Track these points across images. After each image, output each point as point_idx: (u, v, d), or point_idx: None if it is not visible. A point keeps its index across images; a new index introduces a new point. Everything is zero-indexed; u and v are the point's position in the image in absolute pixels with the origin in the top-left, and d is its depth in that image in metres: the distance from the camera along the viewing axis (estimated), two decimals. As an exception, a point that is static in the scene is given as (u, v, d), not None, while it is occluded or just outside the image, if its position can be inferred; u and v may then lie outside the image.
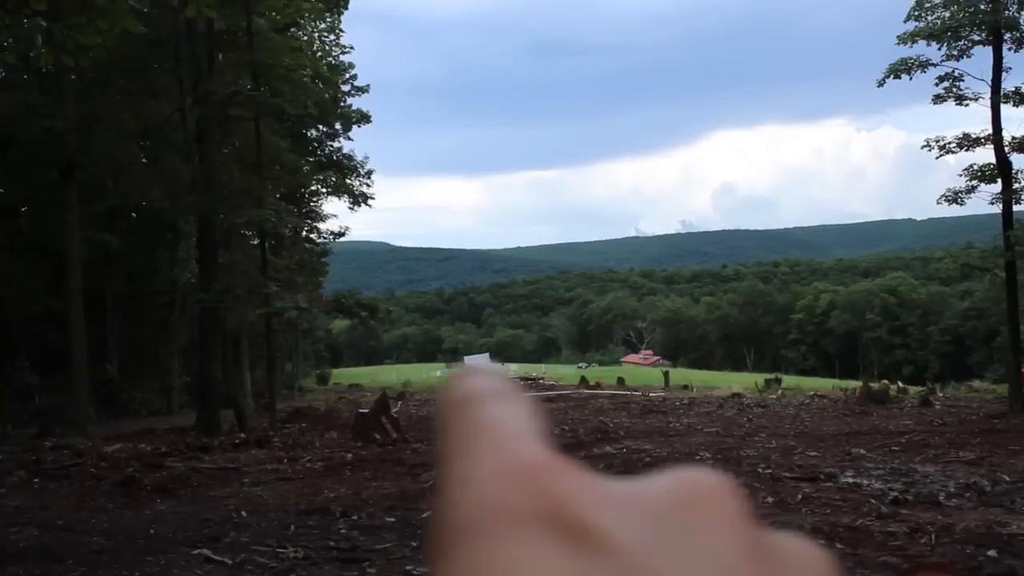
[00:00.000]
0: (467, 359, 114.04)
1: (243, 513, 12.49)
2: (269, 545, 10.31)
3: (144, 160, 36.85)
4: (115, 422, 31.79)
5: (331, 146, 52.05)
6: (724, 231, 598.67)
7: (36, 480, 16.27)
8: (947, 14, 30.36)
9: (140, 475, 15.92)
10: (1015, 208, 30.76)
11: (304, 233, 51.32)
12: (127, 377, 39.51)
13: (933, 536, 10.27)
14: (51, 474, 16.82)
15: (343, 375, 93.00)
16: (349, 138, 55.72)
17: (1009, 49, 30.33)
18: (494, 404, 0.46)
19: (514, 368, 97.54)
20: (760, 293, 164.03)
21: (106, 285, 37.62)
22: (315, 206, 52.91)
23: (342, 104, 47.54)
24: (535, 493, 0.39)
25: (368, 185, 51.09)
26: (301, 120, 40.62)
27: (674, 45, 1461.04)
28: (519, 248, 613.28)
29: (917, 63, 30.91)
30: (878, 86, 32.02)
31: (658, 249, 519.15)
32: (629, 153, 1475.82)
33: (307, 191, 49.06)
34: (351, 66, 48.40)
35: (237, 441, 22.21)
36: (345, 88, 48.06)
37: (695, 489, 0.42)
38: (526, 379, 67.56)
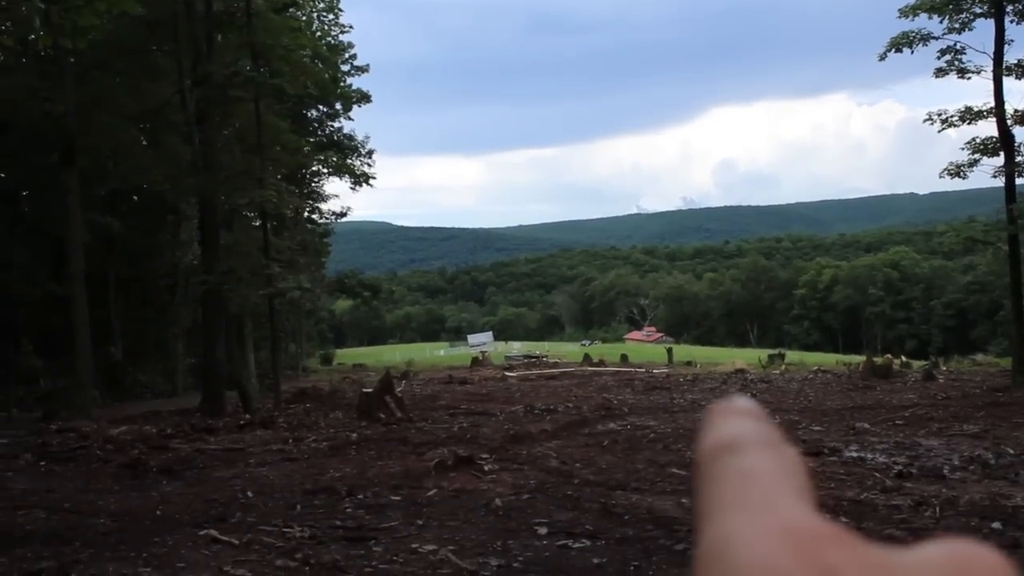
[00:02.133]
0: (471, 337, 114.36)
1: (249, 493, 12.53)
2: (275, 525, 10.35)
3: (144, 142, 36.76)
4: (120, 405, 31.86)
5: (331, 126, 52.08)
6: (726, 207, 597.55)
7: (42, 463, 16.33)
8: (949, -14, 30.19)
9: (146, 457, 15.96)
10: (1018, 181, 30.65)
11: (306, 214, 51.27)
12: (131, 360, 39.59)
13: (938, 509, 10.30)
14: (57, 457, 16.87)
15: (347, 355, 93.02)
16: (349, 118, 55.77)
17: (1011, 21, 30.13)
18: (760, 453, 0.43)
19: (517, 346, 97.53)
20: (763, 269, 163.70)
21: (108, 268, 37.65)
22: (316, 187, 52.87)
23: (342, 84, 47.41)
24: (805, 561, 0.37)
25: (369, 165, 51.03)
26: (301, 100, 40.64)
27: (671, 21, 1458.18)
28: (521, 226, 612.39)
29: (919, 36, 30.73)
30: (879, 60, 31.87)
31: (660, 226, 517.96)
32: (628, 130, 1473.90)
33: (308, 172, 48.96)
34: (350, 46, 48.30)
35: (242, 422, 22.24)
36: (345, 68, 47.97)
37: (972, 565, 0.39)
38: (530, 357, 67.61)
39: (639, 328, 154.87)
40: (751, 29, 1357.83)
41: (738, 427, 0.45)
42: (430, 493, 12.13)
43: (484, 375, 45.14)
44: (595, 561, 8.70)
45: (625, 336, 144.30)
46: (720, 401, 0.49)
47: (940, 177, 32.53)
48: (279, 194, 29.84)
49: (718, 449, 0.44)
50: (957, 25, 30.32)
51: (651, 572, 8.32)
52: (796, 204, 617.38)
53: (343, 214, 58.43)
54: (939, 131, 31.38)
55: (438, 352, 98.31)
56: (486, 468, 13.77)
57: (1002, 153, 30.03)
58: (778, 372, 41.32)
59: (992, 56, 30.02)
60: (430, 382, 40.46)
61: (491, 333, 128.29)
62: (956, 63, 30.86)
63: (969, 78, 30.79)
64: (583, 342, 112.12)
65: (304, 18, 41.40)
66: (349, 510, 11.27)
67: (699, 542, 0.39)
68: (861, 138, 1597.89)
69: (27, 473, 15.36)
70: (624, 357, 61.43)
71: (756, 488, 0.41)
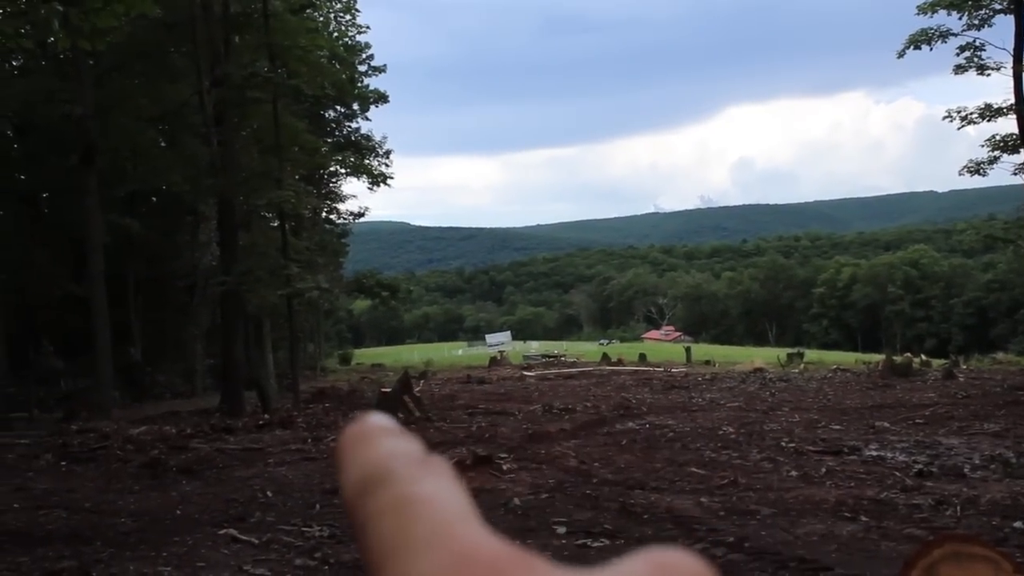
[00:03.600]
0: (489, 337, 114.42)
1: (268, 493, 12.57)
2: (294, 524, 10.38)
3: (163, 144, 36.89)
4: (139, 405, 31.96)
5: (349, 127, 52.14)
6: (744, 206, 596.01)
7: (63, 463, 16.40)
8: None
9: (165, 457, 16.02)
10: (1038, 178, 30.50)
11: (324, 214, 51.39)
12: (150, 360, 39.69)
13: (958, 508, 10.24)
14: (78, 457, 16.94)
15: (365, 355, 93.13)
16: (367, 118, 55.72)
17: (1032, 17, 29.98)
18: (413, 477, 0.39)
19: (536, 346, 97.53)
20: (781, 267, 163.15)
21: (127, 269, 37.75)
22: (334, 187, 52.99)
23: (359, 84, 47.51)
24: None
25: (387, 165, 51.07)
26: (319, 101, 40.68)
27: (687, 20, 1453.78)
28: (539, 226, 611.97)
29: (938, 33, 30.62)
30: (898, 57, 31.80)
31: (678, 225, 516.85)
32: (645, 129, 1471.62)
33: (326, 172, 49.06)
34: (367, 46, 48.35)
35: (261, 422, 22.28)
36: (362, 68, 48.06)
37: None
38: (548, 356, 67.59)
39: (657, 327, 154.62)
40: (767, 27, 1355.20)
41: (379, 452, 0.41)
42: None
43: (502, 374, 45.13)
44: (614, 560, 8.67)
45: (643, 335, 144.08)
46: (351, 423, 0.44)
47: (959, 175, 32.49)
48: (297, 195, 29.91)
49: (366, 482, 0.39)
50: (976, 21, 30.20)
51: (670, 571, 8.28)
52: (814, 202, 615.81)
53: (361, 214, 58.60)
54: (958, 128, 31.34)
55: (456, 352, 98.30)
56: (505, 467, 13.77)
57: (1022, 150, 29.86)
58: (797, 371, 41.17)
59: (1012, 52, 29.85)
60: (448, 382, 40.46)
61: (509, 333, 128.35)
62: (975, 60, 30.72)
63: (988, 75, 30.68)
64: (601, 341, 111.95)
65: (321, 19, 41.48)
66: (368, 509, 11.25)
67: None
68: (879, 136, 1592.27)
69: (48, 473, 15.44)
70: (642, 356, 61.31)
71: (424, 518, 0.37)
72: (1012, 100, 29.99)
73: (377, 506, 0.38)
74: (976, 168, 31.16)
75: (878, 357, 46.06)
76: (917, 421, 18.84)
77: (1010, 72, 29.95)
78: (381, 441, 0.42)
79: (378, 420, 0.45)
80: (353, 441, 0.42)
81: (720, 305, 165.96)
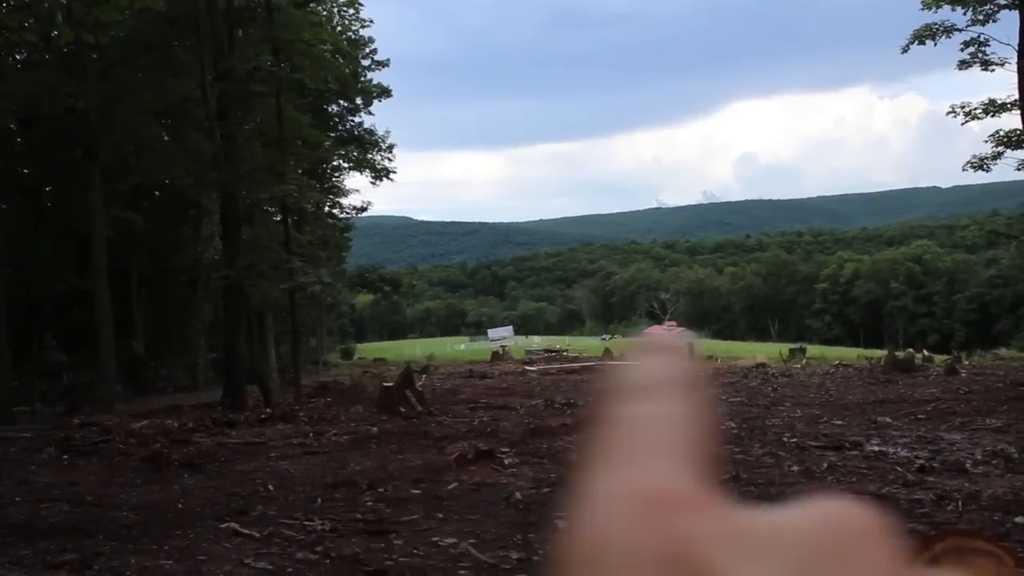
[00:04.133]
0: (491, 332, 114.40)
1: (270, 487, 12.58)
2: (296, 518, 10.38)
3: (166, 138, 36.89)
4: (142, 399, 31.99)
5: (352, 121, 52.09)
6: (747, 201, 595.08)
7: (66, 457, 16.43)
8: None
9: (168, 451, 16.04)
10: (1041, 174, 30.46)
11: (326, 208, 51.33)
12: (153, 354, 39.73)
13: (960, 503, 10.24)
14: (80, 451, 16.97)
15: (367, 350, 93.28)
16: (370, 113, 55.89)
17: (1036, 13, 29.91)
18: (661, 401, 0.40)
19: (538, 341, 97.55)
20: (784, 263, 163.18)
21: (131, 263, 37.78)
22: (337, 181, 52.92)
23: (362, 79, 47.49)
24: (662, 532, 0.35)
25: (390, 159, 51.07)
26: (322, 95, 40.62)
27: (691, 15, 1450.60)
28: (541, 221, 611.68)
29: (942, 28, 30.55)
30: (902, 52, 31.73)
31: (680, 220, 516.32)
32: (648, 124, 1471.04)
33: (329, 166, 49.01)
34: (371, 40, 48.24)
35: (263, 416, 22.30)
36: (365, 63, 48.00)
37: (843, 529, 0.37)
38: (550, 351, 67.59)
39: (660, 322, 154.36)
40: (771, 22, 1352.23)
41: (651, 368, 0.42)
42: (450, 487, 12.14)
43: (504, 369, 45.17)
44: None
45: (646, 330, 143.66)
46: (646, 335, 0.46)
47: (963, 170, 32.36)
48: (300, 189, 29.90)
49: (623, 391, 0.41)
50: (981, 17, 30.11)
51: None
52: (817, 198, 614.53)
53: (364, 209, 58.49)
54: (962, 124, 31.30)
55: (458, 346, 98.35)
56: (506, 462, 13.78)
57: (1026, 146, 29.83)
58: (799, 366, 41.18)
59: (1016, 48, 29.77)
60: (450, 376, 40.51)
61: (511, 327, 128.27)
62: (980, 55, 30.66)
63: (993, 70, 30.61)
64: (603, 336, 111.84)
65: (325, 13, 41.40)
66: (369, 503, 11.29)
67: (576, 496, 0.37)
68: (883, 131, 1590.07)
69: (50, 467, 15.47)
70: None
71: (639, 441, 0.38)
72: (1016, 95, 29.93)
73: (618, 415, 0.39)
74: (980, 164, 31.10)
75: (880, 353, 46.05)
76: (919, 416, 18.84)
77: (1014, 67, 29.89)
78: (661, 358, 0.43)
79: (668, 338, 0.46)
80: (643, 349, 0.43)
81: (722, 300, 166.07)
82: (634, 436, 0.38)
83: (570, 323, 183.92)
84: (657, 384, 0.41)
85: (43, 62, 32.32)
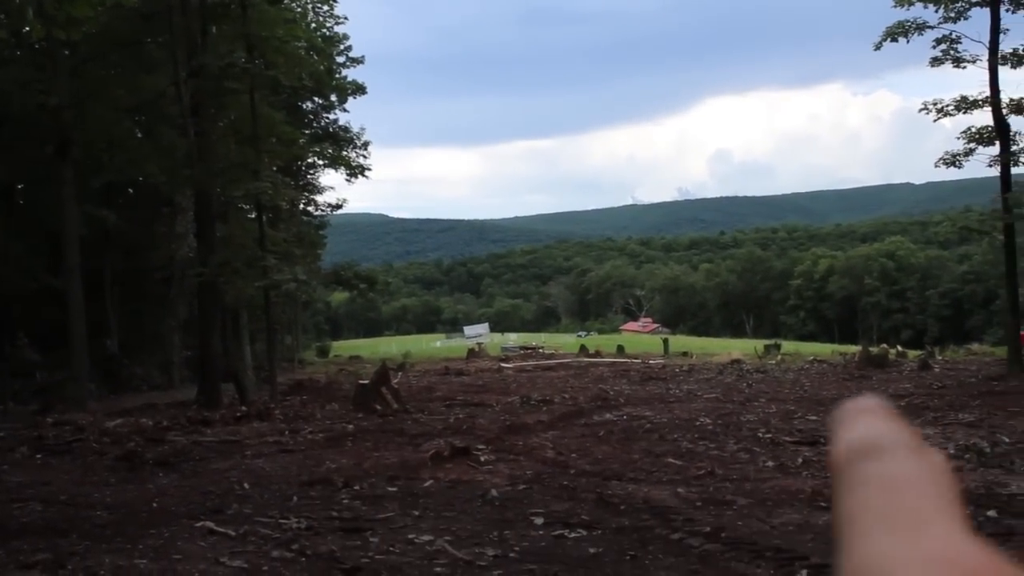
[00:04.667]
0: (467, 329, 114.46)
1: (245, 485, 12.55)
2: (272, 516, 10.36)
3: (139, 135, 36.69)
4: (116, 397, 31.85)
5: (327, 118, 52.02)
6: (721, 198, 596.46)
7: (38, 456, 16.34)
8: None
9: (142, 449, 15.96)
10: (1013, 171, 30.63)
11: (301, 206, 51.25)
12: (127, 352, 39.54)
13: (933, 498, 10.29)
14: (53, 450, 16.87)
15: (343, 347, 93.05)
16: (345, 110, 55.76)
17: (1007, 10, 30.07)
18: (903, 459, 0.39)
19: (514, 338, 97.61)
20: (758, 259, 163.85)
21: (104, 261, 37.59)
22: (312, 179, 52.86)
23: (337, 76, 47.35)
24: None
25: (365, 157, 50.94)
26: (296, 92, 40.45)
27: (665, 11, 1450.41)
28: (517, 218, 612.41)
29: (914, 25, 30.65)
30: (875, 49, 31.81)
31: (656, 217, 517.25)
32: (623, 121, 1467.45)
33: (303, 163, 48.93)
34: (345, 37, 48.12)
35: (238, 414, 22.24)
36: (340, 59, 47.87)
37: None
38: (526, 348, 67.65)
39: (635, 319, 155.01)
40: (745, 19, 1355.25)
41: (875, 428, 0.41)
42: (426, 484, 12.15)
43: (480, 366, 45.15)
44: (591, 551, 8.71)
45: (621, 327, 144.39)
46: (851, 399, 0.45)
47: (935, 167, 32.49)
48: (274, 186, 29.79)
49: (856, 452, 0.40)
50: (953, 14, 30.24)
51: (647, 561, 8.33)
52: (792, 194, 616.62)
53: (339, 206, 58.45)
54: (934, 121, 31.32)
55: (434, 344, 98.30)
56: (482, 459, 13.79)
57: (997, 142, 30.00)
58: (774, 362, 41.34)
59: (988, 45, 29.95)
60: (426, 374, 40.47)
61: (487, 325, 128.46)
62: (951, 52, 30.78)
63: (964, 67, 30.73)
64: (579, 333, 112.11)
65: (299, 9, 41.30)
66: (345, 501, 11.28)
67: (846, 559, 0.35)
68: (856, 128, 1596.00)
69: (23, 466, 15.37)
70: (620, 348, 61.43)
71: (904, 502, 0.37)
72: (987, 93, 30.10)
73: (864, 476, 0.38)
74: (952, 160, 31.25)
75: (854, 348, 46.30)
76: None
77: (985, 65, 30.07)
78: (878, 419, 0.42)
79: (876, 400, 0.46)
80: (854, 412, 0.43)
81: (698, 297, 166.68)
82: (899, 496, 0.37)
83: (546, 320, 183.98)
84: (891, 444, 0.40)
85: (14, 58, 32.11)
